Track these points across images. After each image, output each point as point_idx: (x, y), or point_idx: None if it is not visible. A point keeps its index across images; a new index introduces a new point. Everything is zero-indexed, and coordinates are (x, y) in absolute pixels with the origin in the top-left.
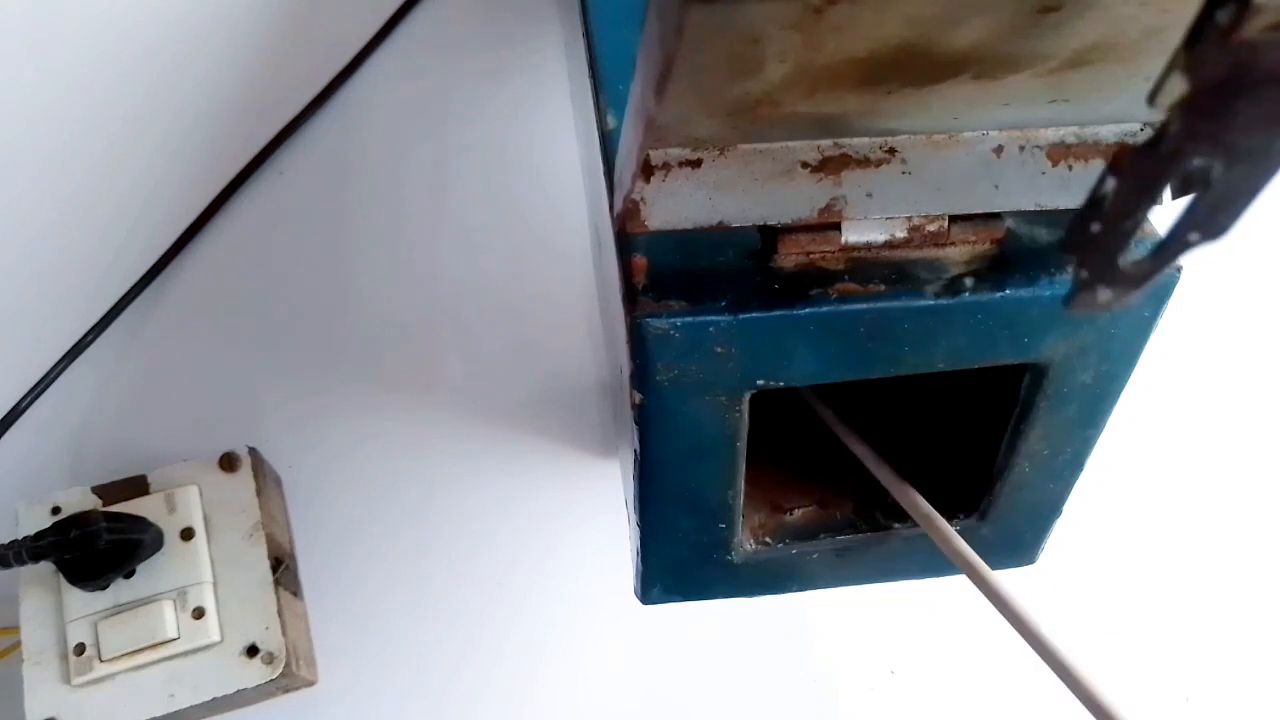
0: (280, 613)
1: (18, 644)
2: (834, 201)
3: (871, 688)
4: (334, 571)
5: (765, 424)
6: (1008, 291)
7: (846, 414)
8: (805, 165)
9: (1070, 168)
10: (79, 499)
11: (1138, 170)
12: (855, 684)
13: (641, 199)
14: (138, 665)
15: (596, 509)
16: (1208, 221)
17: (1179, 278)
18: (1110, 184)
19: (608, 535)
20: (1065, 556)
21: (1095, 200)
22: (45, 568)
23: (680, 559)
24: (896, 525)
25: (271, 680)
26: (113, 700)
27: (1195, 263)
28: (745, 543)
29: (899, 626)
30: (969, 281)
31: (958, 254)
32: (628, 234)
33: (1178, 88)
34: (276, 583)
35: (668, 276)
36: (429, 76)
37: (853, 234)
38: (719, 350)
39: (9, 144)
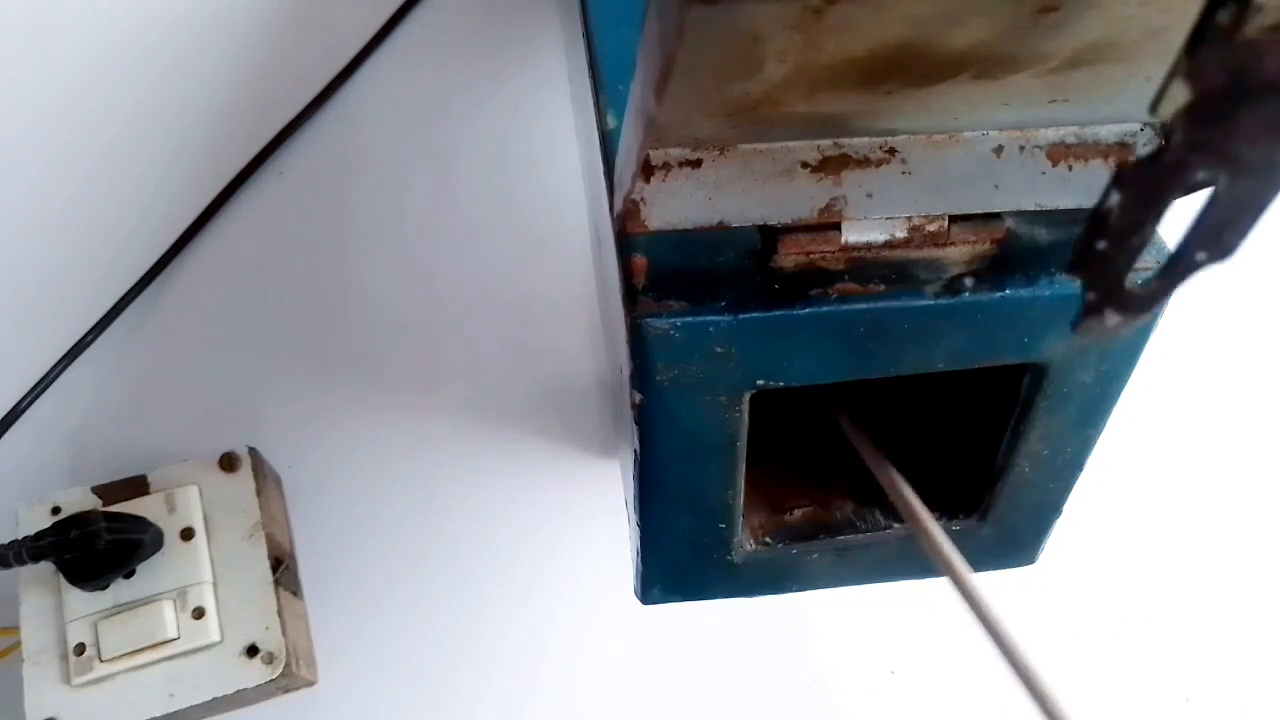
0: (280, 613)
1: (18, 644)
2: (834, 201)
3: (871, 688)
4: (334, 571)
5: (765, 424)
6: (1008, 291)
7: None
8: (805, 165)
9: (1070, 168)
10: (79, 499)
11: (1141, 184)
12: (855, 684)
13: (641, 199)
14: (138, 665)
15: (596, 509)
16: (1215, 241)
17: None
18: (1114, 198)
19: (608, 535)
20: (1065, 556)
21: (1100, 216)
22: (45, 568)
23: (680, 559)
24: (896, 525)
25: (271, 680)
26: (113, 700)
27: None
28: (745, 543)
29: (899, 626)
30: (969, 281)
31: (958, 254)
32: (628, 234)
33: (1180, 95)
34: (276, 583)
35: (668, 276)
36: (429, 76)
37: (853, 234)
38: (719, 350)
39: (9, 144)
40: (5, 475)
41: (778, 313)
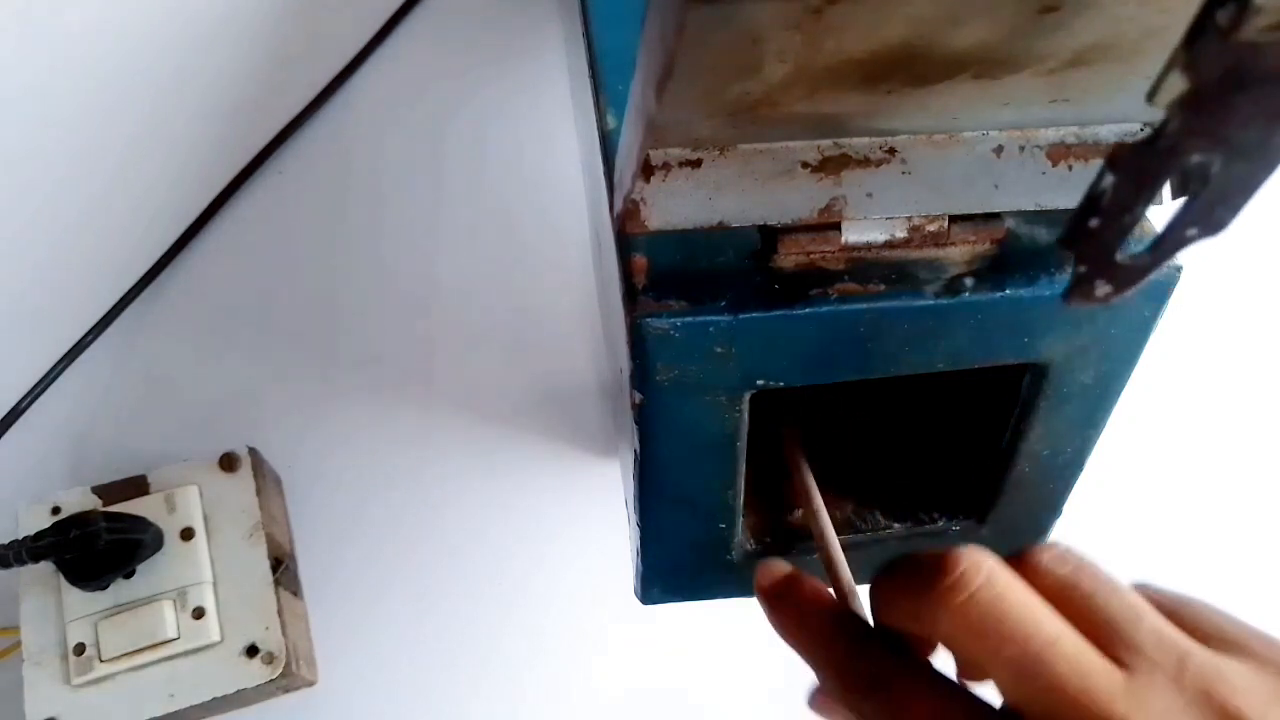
0: (280, 613)
1: (18, 644)
2: (834, 201)
3: None
4: (334, 571)
5: (765, 424)
6: (1008, 291)
7: (845, 418)
8: (805, 165)
9: (1070, 168)
10: (79, 499)
11: (1136, 166)
12: None
13: (641, 199)
14: (138, 665)
15: (596, 509)
16: (1206, 217)
17: (1179, 277)
18: (1109, 179)
19: (608, 535)
20: None
21: (1094, 196)
22: (45, 568)
23: (680, 559)
24: (896, 525)
25: (271, 680)
26: (113, 700)
27: (1195, 262)
28: (745, 543)
29: None
30: (969, 281)
31: (958, 254)
32: (628, 234)
33: (1177, 85)
34: (276, 583)
35: (668, 276)
36: (429, 76)
37: (853, 234)
38: (719, 350)
39: (10, 145)
40: (5, 475)
41: (778, 313)
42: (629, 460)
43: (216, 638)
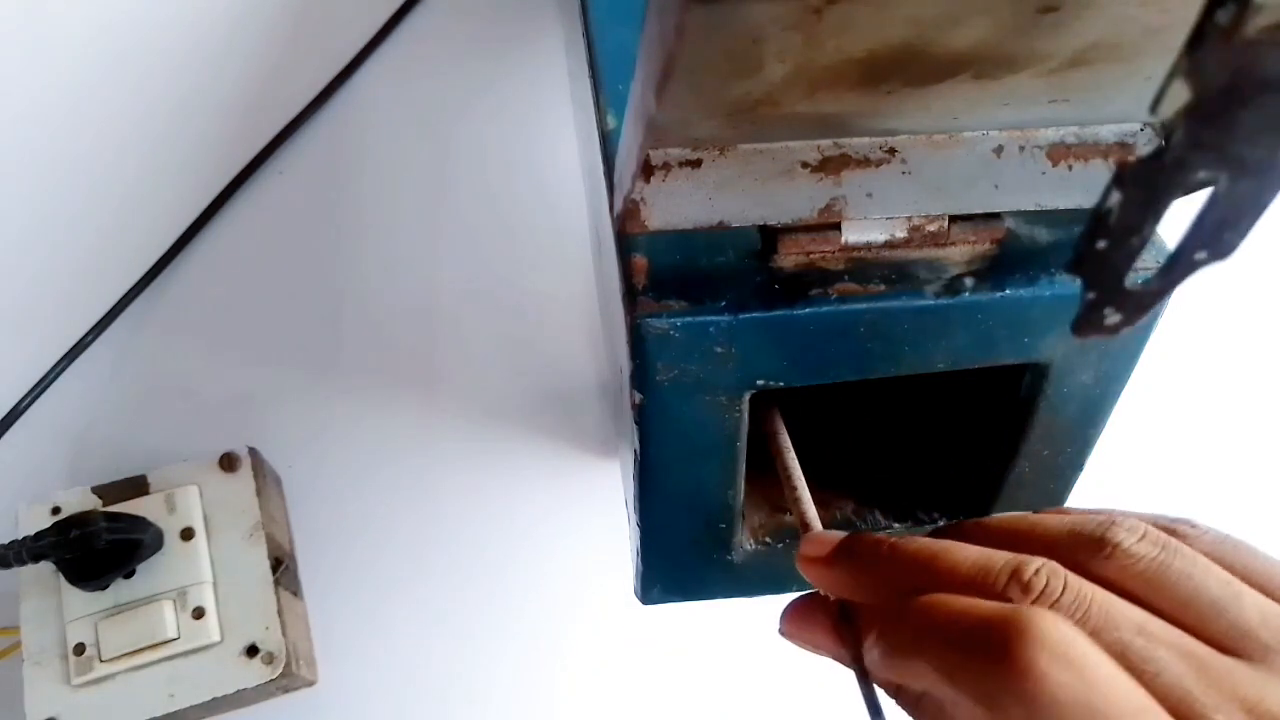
0: (280, 613)
1: (18, 644)
2: (834, 201)
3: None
4: (334, 571)
5: (766, 424)
6: (1008, 291)
7: (846, 418)
8: (805, 165)
9: (1070, 168)
10: (79, 499)
11: (1142, 183)
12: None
13: (641, 199)
14: (138, 665)
15: (596, 509)
16: (1214, 240)
17: None
18: (1115, 198)
19: (608, 535)
20: None
21: (1100, 215)
22: (45, 568)
23: (680, 559)
24: (896, 525)
25: (271, 680)
26: (113, 700)
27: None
28: (745, 543)
29: None
30: (969, 281)
31: (958, 254)
32: (628, 234)
33: (1181, 95)
34: (276, 583)
35: (668, 276)
36: (429, 76)
37: (853, 234)
38: (719, 350)
39: (9, 145)
40: (5, 475)
41: (778, 313)
42: (629, 460)
43: (216, 638)
